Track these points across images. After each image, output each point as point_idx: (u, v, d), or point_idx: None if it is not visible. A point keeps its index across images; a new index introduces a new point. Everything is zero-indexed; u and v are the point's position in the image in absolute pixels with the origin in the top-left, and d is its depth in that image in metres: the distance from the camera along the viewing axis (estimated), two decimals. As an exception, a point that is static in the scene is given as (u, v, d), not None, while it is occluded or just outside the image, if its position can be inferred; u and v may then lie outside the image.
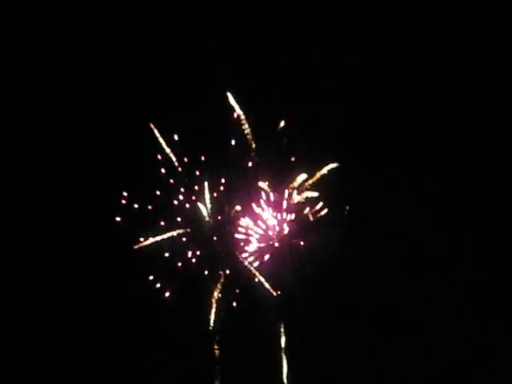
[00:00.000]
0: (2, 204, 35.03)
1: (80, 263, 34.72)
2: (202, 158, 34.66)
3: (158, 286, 34.09)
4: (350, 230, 34.20)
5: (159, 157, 34.96)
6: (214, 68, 34.30)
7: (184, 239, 34.69)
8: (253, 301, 33.95)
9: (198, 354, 33.99)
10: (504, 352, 33.47)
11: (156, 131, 34.70)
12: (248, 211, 34.48)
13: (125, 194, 34.63)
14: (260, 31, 34.77)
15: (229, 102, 34.18)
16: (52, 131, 35.52)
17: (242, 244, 34.45)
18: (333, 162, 33.84)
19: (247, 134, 34.06)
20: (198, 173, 34.85)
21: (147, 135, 34.70)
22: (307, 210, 34.17)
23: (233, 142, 34.41)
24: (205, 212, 34.53)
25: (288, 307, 34.04)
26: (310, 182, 33.98)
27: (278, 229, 34.45)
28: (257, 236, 34.46)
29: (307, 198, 34.07)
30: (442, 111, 34.81)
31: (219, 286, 34.02)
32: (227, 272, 34.25)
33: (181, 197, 34.97)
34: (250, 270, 34.04)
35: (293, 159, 34.06)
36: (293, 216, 34.40)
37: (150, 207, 34.78)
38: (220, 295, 33.98)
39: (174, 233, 34.58)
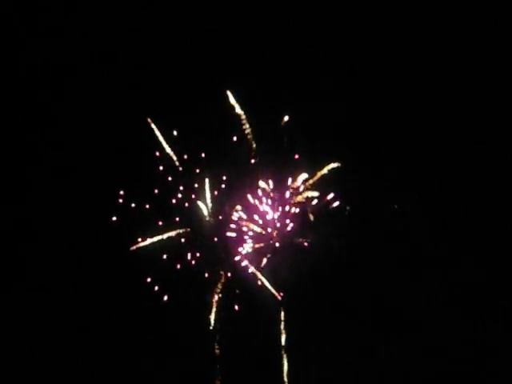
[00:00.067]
0: (2, 204, 35.06)
1: (79, 263, 34.67)
2: (202, 155, 34.52)
3: (157, 288, 34.00)
4: (350, 230, 34.19)
5: (157, 154, 34.71)
6: (214, 67, 34.37)
7: (183, 240, 34.41)
8: (253, 300, 33.91)
9: (199, 354, 33.97)
10: (504, 352, 33.46)
11: (155, 127, 34.49)
12: (248, 211, 34.43)
13: (121, 192, 34.37)
14: (260, 31, 34.76)
15: (229, 101, 34.14)
16: (52, 131, 35.48)
17: (242, 244, 34.38)
18: (333, 162, 33.85)
19: (248, 134, 34.05)
20: (197, 171, 34.60)
21: (145, 132, 34.50)
22: (308, 209, 34.20)
23: (233, 142, 34.35)
24: (205, 211, 34.42)
25: (289, 307, 34.02)
26: (311, 181, 34.00)
27: (278, 227, 34.42)
28: (257, 236, 34.43)
29: (308, 197, 34.08)
30: (442, 111, 34.81)
31: (219, 286, 33.95)
32: (228, 272, 34.22)
33: (180, 195, 34.70)
34: (252, 271, 33.96)
35: (293, 159, 34.03)
36: (293, 216, 34.40)
37: (147, 206, 34.51)
38: (220, 295, 33.93)
39: (173, 233, 34.42)
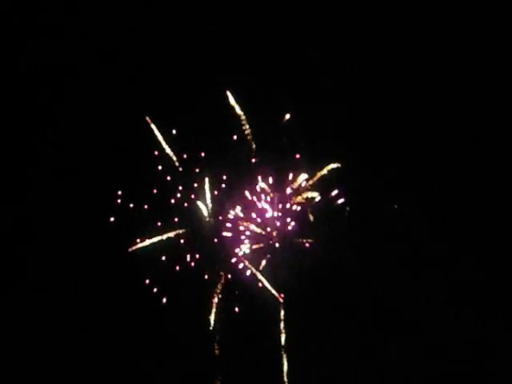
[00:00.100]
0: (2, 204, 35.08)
1: (79, 263, 34.65)
2: (202, 155, 34.42)
3: (156, 288, 33.91)
4: (350, 230, 34.19)
5: (156, 153, 34.58)
6: (215, 67, 34.36)
7: (182, 241, 34.24)
8: (253, 301, 33.89)
9: (198, 354, 33.97)
10: (504, 352, 33.46)
11: (154, 127, 34.40)
12: (246, 209, 34.37)
13: (119, 192, 34.21)
14: (260, 31, 34.75)
15: (229, 101, 34.12)
16: (51, 131, 35.47)
17: (239, 244, 34.29)
18: (333, 162, 33.84)
19: (247, 135, 34.02)
20: (197, 170, 34.44)
21: (144, 132, 34.40)
22: (308, 210, 34.18)
23: (233, 141, 34.29)
24: (205, 211, 34.34)
25: (288, 307, 34.01)
26: (311, 182, 33.98)
27: (278, 226, 34.38)
28: (256, 236, 34.39)
29: (307, 198, 34.07)
30: (442, 111, 34.80)
31: (219, 286, 33.89)
32: (228, 273, 34.14)
33: (179, 195, 34.54)
34: (252, 272, 33.91)
35: (293, 159, 34.00)
36: (293, 216, 34.39)
37: (146, 207, 34.40)
38: (220, 296, 33.87)
39: (172, 234, 34.28)
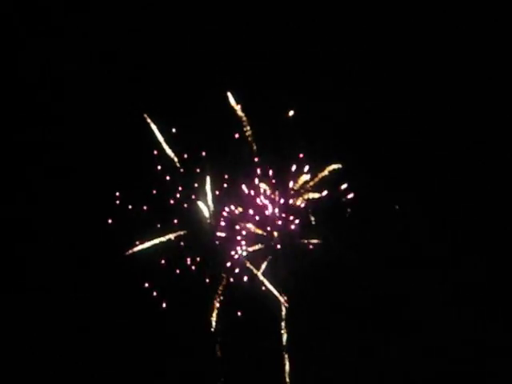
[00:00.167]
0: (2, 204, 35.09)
1: (79, 264, 34.64)
2: (203, 154, 34.31)
3: (157, 287, 33.79)
4: (350, 230, 34.19)
5: (155, 152, 34.45)
6: (215, 67, 34.36)
7: (182, 243, 33.96)
8: (254, 301, 33.85)
9: (200, 355, 33.97)
10: (504, 352, 33.50)
11: (154, 127, 34.28)
12: (248, 210, 34.30)
13: (117, 194, 34.03)
14: (260, 31, 34.74)
15: (229, 101, 34.09)
16: (51, 131, 35.46)
17: (236, 246, 34.18)
18: (334, 163, 33.83)
19: (248, 136, 33.97)
20: (198, 170, 34.30)
21: (143, 131, 34.28)
22: (309, 210, 34.17)
23: (233, 141, 34.22)
24: (206, 212, 34.23)
25: (289, 307, 34.01)
26: (312, 183, 33.97)
27: (279, 225, 34.35)
28: (258, 237, 34.35)
29: (309, 199, 34.06)
30: (442, 111, 34.82)
31: (221, 288, 33.81)
32: (229, 274, 34.04)
33: (178, 196, 34.32)
34: (253, 273, 33.82)
35: (293, 159, 33.97)
36: (295, 215, 34.37)
37: (145, 208, 34.28)
38: (221, 298, 33.81)
39: (172, 235, 34.16)
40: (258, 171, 33.94)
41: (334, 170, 33.76)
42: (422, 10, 34.95)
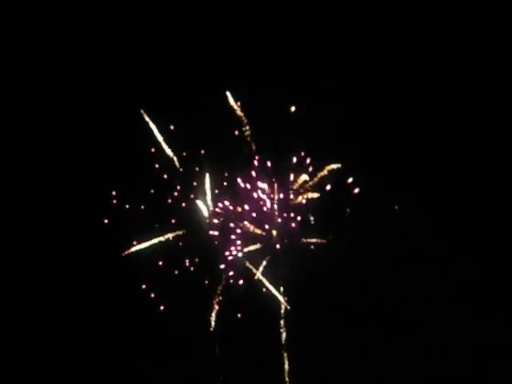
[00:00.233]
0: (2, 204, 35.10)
1: (79, 264, 34.64)
2: (202, 152, 34.21)
3: (155, 290, 33.72)
4: (350, 230, 34.19)
5: (152, 150, 34.35)
6: (214, 67, 34.37)
7: (180, 243, 33.85)
8: (253, 301, 33.85)
9: (199, 354, 33.96)
10: (504, 352, 33.49)
11: (153, 126, 34.22)
12: (249, 211, 34.28)
13: (114, 193, 33.93)
14: (260, 31, 34.75)
15: (228, 101, 34.08)
16: (51, 131, 35.47)
17: (240, 245, 34.15)
18: (334, 163, 33.82)
19: (247, 136, 33.96)
20: (196, 169, 34.16)
21: (142, 130, 34.19)
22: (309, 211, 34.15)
23: (233, 141, 34.17)
24: (205, 212, 34.14)
25: (289, 307, 34.02)
26: (311, 183, 33.96)
27: (279, 223, 34.33)
28: (258, 236, 34.32)
29: (308, 198, 34.05)
30: (442, 111, 34.82)
31: (220, 288, 33.76)
32: (227, 274, 33.97)
33: (176, 194, 34.13)
34: (252, 272, 33.77)
35: (293, 159, 33.96)
36: (294, 214, 34.36)
37: (142, 207, 34.15)
38: (220, 298, 33.75)
39: (170, 235, 34.03)
40: (256, 163, 33.86)
41: (333, 169, 33.80)
42: (422, 10, 34.95)
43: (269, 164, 33.70)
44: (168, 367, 33.96)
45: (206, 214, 33.90)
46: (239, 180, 33.84)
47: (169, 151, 34.11)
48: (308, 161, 33.73)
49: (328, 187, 33.83)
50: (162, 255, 33.58)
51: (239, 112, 33.84)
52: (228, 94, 33.85)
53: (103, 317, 34.12)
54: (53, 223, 34.78)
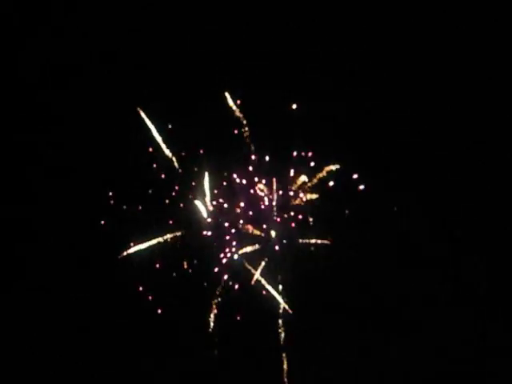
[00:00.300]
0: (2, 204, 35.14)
1: (79, 263, 34.65)
2: (201, 152, 34.10)
3: (151, 296, 33.58)
4: (349, 230, 34.17)
5: (150, 149, 34.22)
6: (214, 67, 34.36)
7: (179, 244, 33.65)
8: (252, 301, 33.84)
9: (198, 354, 33.98)
10: (504, 352, 33.46)
11: (150, 123, 34.14)
12: (248, 211, 34.26)
13: (110, 194, 33.83)
14: (259, 31, 34.72)
15: (228, 101, 34.05)
16: (50, 131, 35.49)
17: (238, 246, 34.12)
18: (333, 164, 33.80)
19: (246, 137, 33.94)
20: (195, 169, 34.01)
21: (140, 129, 34.12)
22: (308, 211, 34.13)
23: (232, 141, 34.14)
24: (204, 212, 34.08)
25: (289, 307, 34.01)
26: (310, 184, 33.93)
27: (278, 222, 34.30)
28: (257, 237, 34.28)
29: (307, 200, 34.02)
30: (442, 111, 34.78)
31: (219, 289, 33.73)
32: (227, 275, 33.96)
33: (174, 194, 33.96)
34: (252, 274, 33.73)
35: (293, 159, 33.93)
36: (293, 217, 34.33)
37: (140, 207, 34.05)
38: (219, 299, 33.74)
39: (168, 236, 33.84)
40: (254, 162, 33.82)
41: (332, 170, 33.79)
42: (422, 10, 34.91)
43: (267, 161, 33.64)
44: (167, 367, 34.01)
45: (204, 214, 33.88)
46: (238, 180, 33.78)
47: (167, 151, 34.03)
48: (307, 161, 33.73)
49: (328, 187, 33.84)
50: (160, 256, 33.49)
51: (238, 112, 33.81)
52: (227, 94, 33.84)
53: (103, 317, 34.13)
54: (52, 223, 34.79)
